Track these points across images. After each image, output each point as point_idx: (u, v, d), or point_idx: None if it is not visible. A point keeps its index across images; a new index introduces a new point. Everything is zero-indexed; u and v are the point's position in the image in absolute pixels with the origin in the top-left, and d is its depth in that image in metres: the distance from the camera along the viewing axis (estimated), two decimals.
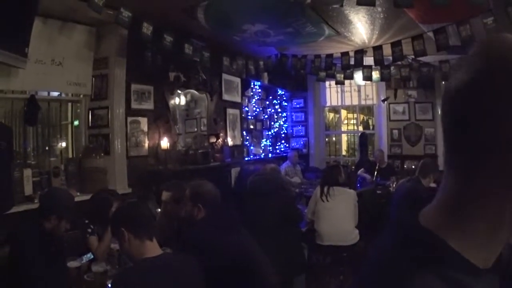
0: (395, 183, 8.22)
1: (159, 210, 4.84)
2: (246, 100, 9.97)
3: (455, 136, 0.81)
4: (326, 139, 12.79)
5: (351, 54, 7.90)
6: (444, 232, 0.79)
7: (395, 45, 6.96)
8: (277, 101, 11.80)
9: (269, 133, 11.30)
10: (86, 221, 4.17)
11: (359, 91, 11.94)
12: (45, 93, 5.79)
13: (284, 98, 12.27)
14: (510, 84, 0.74)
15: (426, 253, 0.77)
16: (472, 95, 0.77)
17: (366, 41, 7.49)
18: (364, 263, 0.90)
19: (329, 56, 8.24)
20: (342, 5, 4.97)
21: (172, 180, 4.85)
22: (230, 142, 8.76)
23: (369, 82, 9.56)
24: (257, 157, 10.03)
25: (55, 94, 5.93)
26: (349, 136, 13.20)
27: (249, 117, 10.15)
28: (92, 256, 3.74)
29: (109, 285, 3.12)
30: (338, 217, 5.89)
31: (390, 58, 7.29)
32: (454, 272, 0.75)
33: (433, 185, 5.91)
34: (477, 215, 0.78)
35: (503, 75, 0.74)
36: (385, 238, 0.90)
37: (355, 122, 12.81)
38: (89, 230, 4.15)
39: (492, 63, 0.77)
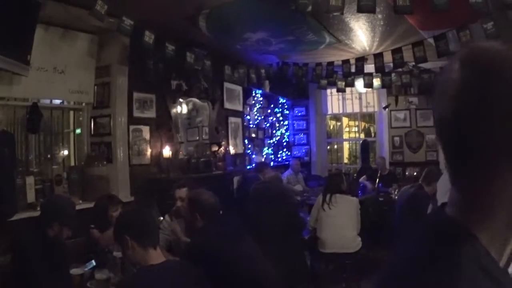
0: (397, 190, 8.23)
1: (161, 218, 4.85)
2: (248, 109, 10.00)
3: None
4: (328, 147, 12.79)
5: (352, 61, 7.90)
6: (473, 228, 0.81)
7: (396, 52, 6.97)
8: (278, 109, 11.82)
9: (271, 141, 11.31)
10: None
11: (360, 98, 11.96)
12: (48, 101, 5.80)
13: (286, 106, 12.28)
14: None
15: (465, 247, 0.78)
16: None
17: (367, 48, 7.51)
18: (392, 266, 0.91)
19: (330, 63, 8.25)
20: (342, 13, 4.98)
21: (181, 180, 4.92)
22: (232, 150, 8.77)
23: (370, 89, 9.57)
24: None
25: (57, 102, 5.95)
26: (350, 144, 13.21)
27: (251, 125, 10.17)
28: (95, 264, 3.74)
29: None
30: (340, 224, 5.88)
31: (391, 65, 7.29)
32: (489, 266, 0.77)
33: None
34: (493, 214, 0.81)
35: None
36: (413, 239, 0.91)
37: (356, 130, 12.83)
38: (92, 226, 4.24)
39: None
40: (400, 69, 8.03)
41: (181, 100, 7.54)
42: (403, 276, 0.83)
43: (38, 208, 4.64)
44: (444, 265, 0.76)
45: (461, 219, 0.83)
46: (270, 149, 11.09)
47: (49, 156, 5.88)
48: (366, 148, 10.94)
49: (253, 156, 10.04)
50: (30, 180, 5.08)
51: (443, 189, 4.32)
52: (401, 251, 0.93)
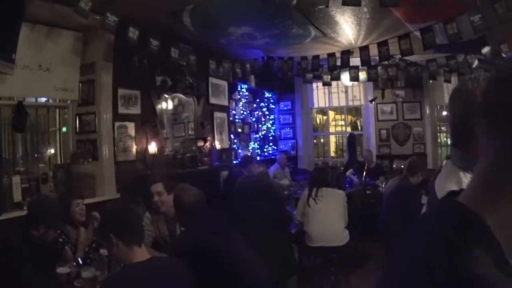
0: (384, 183, 8.26)
1: (148, 214, 4.83)
2: (233, 103, 9.96)
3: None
4: (314, 141, 12.81)
5: (338, 55, 7.89)
6: (483, 211, 0.79)
7: (382, 45, 6.95)
8: (264, 103, 11.79)
9: (257, 136, 11.29)
10: (58, 231, 4.08)
11: (346, 92, 11.98)
12: (33, 99, 5.77)
13: (272, 101, 12.25)
14: None
15: (475, 234, 0.76)
16: None
17: (353, 41, 7.49)
18: (402, 254, 0.89)
19: (316, 57, 8.23)
20: (327, 6, 4.97)
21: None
22: (218, 145, 8.74)
23: (356, 82, 9.59)
24: None
25: (42, 100, 5.91)
26: (337, 137, 13.22)
27: (237, 120, 10.14)
28: (82, 262, 3.71)
29: None
30: (327, 218, 5.88)
31: (377, 58, 7.29)
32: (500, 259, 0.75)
33: None
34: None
35: None
36: (421, 228, 0.89)
37: (343, 123, 12.85)
38: (61, 240, 4.06)
39: None
40: (386, 62, 8.03)
41: (166, 95, 7.50)
42: (415, 272, 0.80)
43: (25, 208, 4.60)
44: (458, 260, 0.74)
45: (476, 206, 0.80)
46: (256, 144, 11.07)
47: (35, 155, 5.86)
48: (352, 141, 10.95)
49: (239, 150, 9.99)
50: (16, 179, 5.03)
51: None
52: (409, 245, 0.90)
